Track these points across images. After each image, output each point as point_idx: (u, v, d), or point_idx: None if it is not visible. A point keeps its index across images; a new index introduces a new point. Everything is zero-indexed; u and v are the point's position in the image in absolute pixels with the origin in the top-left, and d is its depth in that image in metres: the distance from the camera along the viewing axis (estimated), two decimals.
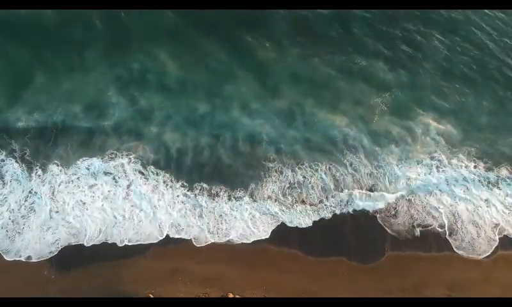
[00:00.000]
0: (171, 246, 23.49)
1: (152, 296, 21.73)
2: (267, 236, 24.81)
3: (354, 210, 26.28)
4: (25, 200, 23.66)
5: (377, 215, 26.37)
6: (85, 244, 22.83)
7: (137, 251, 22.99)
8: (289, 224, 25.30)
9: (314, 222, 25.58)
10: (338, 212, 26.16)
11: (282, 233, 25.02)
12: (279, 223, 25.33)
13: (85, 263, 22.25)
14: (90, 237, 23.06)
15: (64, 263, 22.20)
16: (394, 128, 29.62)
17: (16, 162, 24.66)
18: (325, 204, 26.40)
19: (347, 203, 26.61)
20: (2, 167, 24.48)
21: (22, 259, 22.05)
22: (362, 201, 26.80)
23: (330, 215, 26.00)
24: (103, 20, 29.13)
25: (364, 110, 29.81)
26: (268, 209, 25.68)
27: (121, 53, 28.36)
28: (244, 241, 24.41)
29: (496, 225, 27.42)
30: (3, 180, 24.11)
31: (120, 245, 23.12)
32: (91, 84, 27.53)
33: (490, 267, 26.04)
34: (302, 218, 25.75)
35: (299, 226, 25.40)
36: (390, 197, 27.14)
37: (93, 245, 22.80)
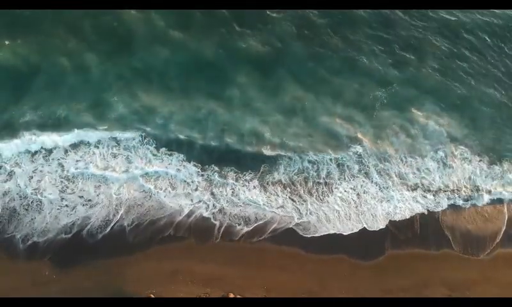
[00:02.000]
0: (172, 245, 23.43)
1: (152, 296, 21.78)
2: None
3: None
4: (31, 178, 23.41)
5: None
6: (95, 230, 23.02)
7: (139, 250, 22.91)
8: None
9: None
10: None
11: (282, 230, 25.03)
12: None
13: (86, 263, 22.16)
14: (106, 218, 23.38)
15: (65, 262, 22.09)
16: (396, 122, 29.52)
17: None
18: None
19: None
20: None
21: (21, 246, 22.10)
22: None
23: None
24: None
25: (365, 105, 29.60)
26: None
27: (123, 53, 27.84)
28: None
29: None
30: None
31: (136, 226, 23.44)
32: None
33: (490, 264, 26.19)
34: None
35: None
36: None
37: (95, 244, 22.67)
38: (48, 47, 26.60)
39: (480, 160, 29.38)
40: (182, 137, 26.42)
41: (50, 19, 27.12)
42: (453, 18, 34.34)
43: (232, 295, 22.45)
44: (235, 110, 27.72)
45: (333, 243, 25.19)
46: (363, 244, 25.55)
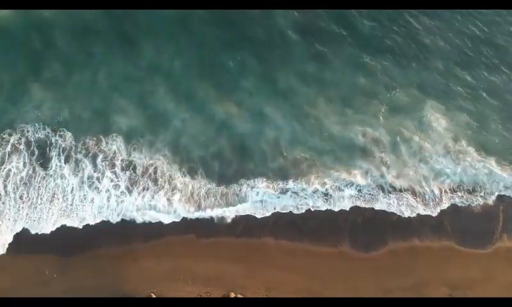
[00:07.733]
0: (172, 244, 23.30)
1: (154, 296, 21.72)
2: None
3: None
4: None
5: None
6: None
7: (139, 249, 22.79)
8: None
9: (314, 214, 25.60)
10: None
11: (282, 227, 24.91)
12: None
13: (87, 263, 22.09)
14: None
15: (65, 262, 22.01)
16: (404, 124, 29.19)
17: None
18: None
19: None
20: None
21: None
22: None
23: None
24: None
25: (373, 108, 29.25)
26: None
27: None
28: None
29: None
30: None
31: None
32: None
33: (490, 261, 26.13)
34: None
35: None
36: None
37: (96, 243, 22.56)
38: None
39: (483, 159, 29.27)
40: None
41: None
42: (458, 18, 34.12)
43: (232, 295, 22.39)
44: None
45: (334, 238, 25.13)
46: (364, 238, 25.47)
